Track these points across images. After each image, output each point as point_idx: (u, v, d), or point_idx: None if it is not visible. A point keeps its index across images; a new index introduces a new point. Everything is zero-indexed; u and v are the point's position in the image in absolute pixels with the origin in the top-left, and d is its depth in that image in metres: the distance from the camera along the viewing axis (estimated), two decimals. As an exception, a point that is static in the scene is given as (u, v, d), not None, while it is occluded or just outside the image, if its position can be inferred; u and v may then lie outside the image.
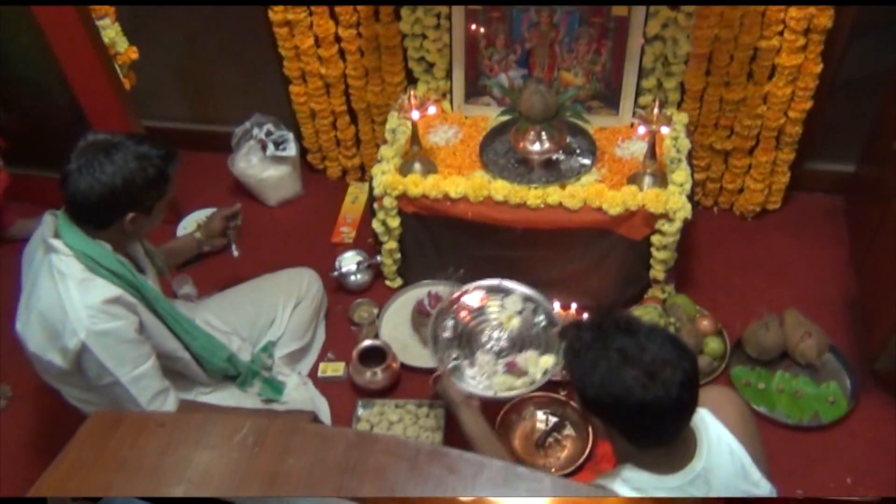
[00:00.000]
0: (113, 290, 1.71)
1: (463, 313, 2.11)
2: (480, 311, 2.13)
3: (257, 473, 1.20)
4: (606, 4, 2.28)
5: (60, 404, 2.15)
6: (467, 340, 2.08)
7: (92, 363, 1.71)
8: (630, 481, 1.38)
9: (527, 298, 2.14)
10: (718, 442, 1.43)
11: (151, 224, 1.81)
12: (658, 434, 1.35)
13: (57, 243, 1.70)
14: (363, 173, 2.95)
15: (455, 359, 2.02)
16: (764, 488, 1.44)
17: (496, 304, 2.14)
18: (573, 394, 1.94)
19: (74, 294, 1.67)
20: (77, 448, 1.25)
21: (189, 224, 2.78)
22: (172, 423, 1.27)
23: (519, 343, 2.08)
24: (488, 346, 2.06)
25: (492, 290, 2.16)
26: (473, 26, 2.40)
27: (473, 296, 2.11)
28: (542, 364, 2.03)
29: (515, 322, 2.11)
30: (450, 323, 2.09)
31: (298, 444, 1.23)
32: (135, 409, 1.73)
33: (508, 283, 2.17)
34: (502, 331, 2.10)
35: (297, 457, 1.22)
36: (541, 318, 2.09)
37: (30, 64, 2.47)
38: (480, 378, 2.02)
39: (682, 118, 2.45)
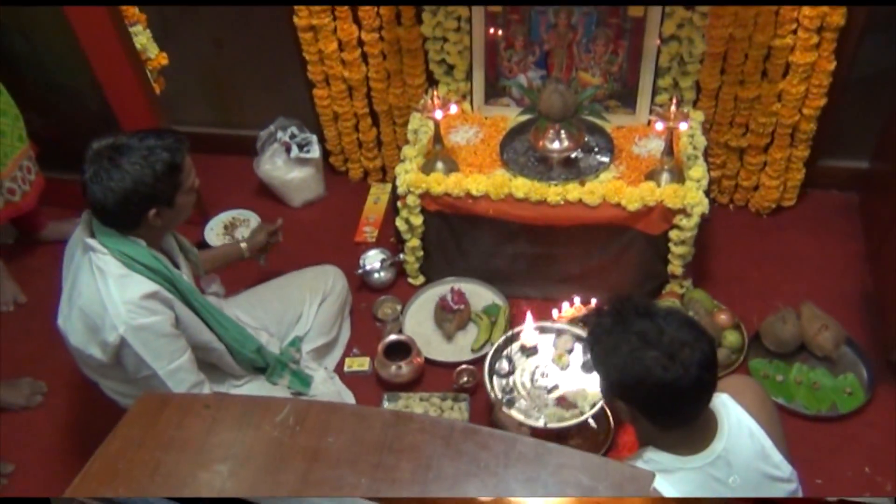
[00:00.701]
0: (150, 286, 1.77)
1: (517, 351, 2.23)
2: (534, 350, 2.23)
3: (299, 451, 1.25)
4: (624, 5, 2.33)
5: (95, 400, 2.23)
6: (521, 375, 2.20)
7: (131, 357, 1.77)
8: (652, 462, 1.42)
9: (578, 338, 2.23)
10: (738, 425, 1.47)
11: (179, 215, 1.85)
12: (679, 414, 1.40)
13: (94, 242, 1.77)
14: (385, 174, 3.02)
15: (509, 392, 2.13)
16: (785, 470, 1.49)
17: (549, 343, 2.25)
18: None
19: (113, 290, 1.74)
20: (125, 429, 1.31)
21: (216, 225, 2.85)
22: (217, 405, 1.32)
23: (570, 379, 2.17)
24: (540, 381, 2.17)
25: (545, 330, 2.28)
26: (493, 29, 2.46)
27: (528, 335, 2.23)
28: (590, 398, 2.11)
29: (566, 359, 2.20)
30: (505, 360, 2.21)
31: (337, 423, 1.29)
32: None
33: (560, 325, 2.29)
34: (555, 367, 2.20)
35: (337, 435, 1.27)
36: (589, 357, 2.17)
37: (64, 70, 2.55)
38: (532, 410, 2.11)
39: (697, 116, 2.50)
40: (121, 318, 1.73)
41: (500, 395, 2.13)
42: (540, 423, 2.07)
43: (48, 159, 2.68)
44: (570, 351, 2.23)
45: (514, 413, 2.09)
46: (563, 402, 2.12)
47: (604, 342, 1.41)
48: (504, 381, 2.17)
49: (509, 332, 2.26)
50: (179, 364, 1.82)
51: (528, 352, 2.24)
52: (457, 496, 1.20)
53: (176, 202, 1.80)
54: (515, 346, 2.24)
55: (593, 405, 2.08)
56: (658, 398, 1.37)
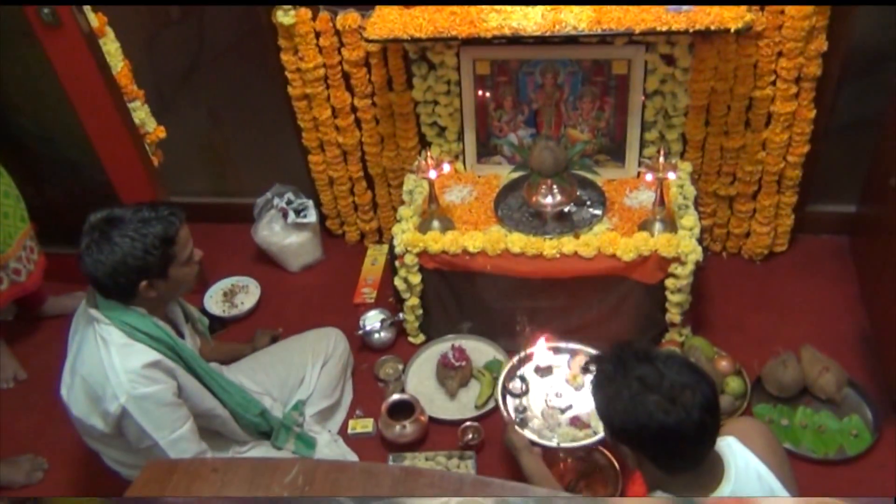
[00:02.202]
0: (152, 355, 1.78)
1: (532, 371, 2.22)
2: (548, 370, 2.23)
3: (309, 511, 1.25)
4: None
5: (96, 474, 2.21)
6: (535, 396, 2.19)
7: (132, 427, 1.77)
8: None
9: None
10: (746, 467, 1.47)
11: (177, 287, 1.85)
12: (683, 457, 1.41)
13: (96, 313, 1.79)
14: (381, 236, 3.05)
15: (522, 412, 2.12)
16: None
17: (564, 363, 2.25)
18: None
19: (115, 359, 1.74)
20: (135, 495, 1.31)
21: (215, 293, 2.87)
22: (225, 468, 1.32)
23: (584, 399, 2.16)
24: (554, 401, 2.17)
25: (559, 351, 2.28)
26: (482, 91, 2.53)
27: (541, 355, 2.23)
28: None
29: (581, 380, 2.20)
30: (519, 380, 2.20)
31: (346, 481, 1.29)
32: None
33: (574, 345, 2.29)
34: (569, 387, 2.20)
35: (346, 493, 1.27)
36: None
37: (66, 144, 2.60)
38: (545, 430, 2.11)
39: (685, 167, 2.55)
40: (122, 388, 1.73)
41: (513, 415, 2.11)
42: (553, 443, 2.06)
43: (49, 234, 2.71)
44: (585, 371, 2.19)
45: (528, 433, 2.06)
46: (576, 422, 2.11)
47: (606, 388, 1.42)
48: (517, 401, 2.15)
49: (523, 353, 2.23)
50: (181, 434, 1.81)
51: (542, 372, 2.22)
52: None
53: (170, 274, 1.80)
54: (529, 366, 2.22)
55: None
56: (661, 442, 1.38)
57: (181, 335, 1.93)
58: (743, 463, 1.47)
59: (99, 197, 2.64)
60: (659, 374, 1.37)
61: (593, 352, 2.24)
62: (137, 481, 1.32)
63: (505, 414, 2.13)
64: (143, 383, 1.75)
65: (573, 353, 2.27)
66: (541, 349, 2.23)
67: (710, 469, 1.45)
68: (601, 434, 2.04)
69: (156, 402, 1.77)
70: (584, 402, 2.15)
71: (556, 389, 2.19)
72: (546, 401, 2.17)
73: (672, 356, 1.43)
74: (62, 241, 2.83)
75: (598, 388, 1.44)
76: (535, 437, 2.07)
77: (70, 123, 2.47)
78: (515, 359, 2.22)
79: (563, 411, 2.14)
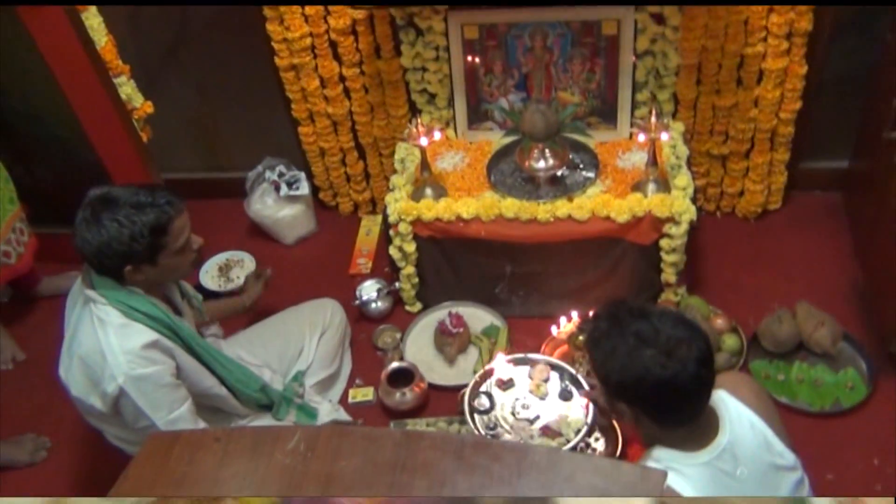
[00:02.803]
0: (150, 335, 1.77)
1: (495, 386, 2.21)
2: (510, 383, 2.22)
3: (312, 477, 1.26)
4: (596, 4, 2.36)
5: (100, 451, 2.23)
6: (502, 410, 2.17)
7: (129, 407, 1.77)
8: (661, 460, 1.44)
9: (553, 366, 2.23)
10: (739, 418, 1.50)
11: (166, 273, 1.82)
12: (681, 411, 1.43)
13: (93, 294, 1.78)
14: (374, 206, 3.04)
15: (492, 428, 2.12)
16: (788, 458, 1.51)
17: (524, 374, 2.24)
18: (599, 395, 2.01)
19: (113, 340, 1.74)
20: (136, 469, 1.31)
21: (210, 268, 2.85)
22: (227, 437, 1.33)
23: (550, 407, 2.16)
24: (522, 413, 2.16)
25: (519, 362, 2.26)
26: (471, 56, 2.51)
27: (502, 369, 2.22)
28: (573, 424, 2.10)
29: (544, 389, 2.20)
30: (484, 396, 2.19)
31: (348, 446, 1.29)
32: None
33: (533, 355, 2.27)
34: (533, 398, 2.19)
35: (349, 459, 1.27)
36: (566, 384, 2.17)
37: (53, 123, 2.57)
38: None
39: (678, 127, 2.54)
40: (120, 369, 1.72)
41: (483, 432, 2.11)
42: None
43: (41, 215, 2.70)
44: (547, 380, 2.21)
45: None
46: (547, 431, 2.10)
47: (602, 346, 1.44)
48: (486, 418, 2.14)
49: (481, 370, 2.24)
50: (179, 414, 1.81)
51: (505, 385, 2.21)
52: (473, 510, 1.20)
53: (159, 262, 1.77)
54: (492, 380, 2.21)
55: (578, 431, 2.07)
56: (659, 396, 1.40)
57: (178, 313, 1.93)
58: (735, 414, 1.50)
59: (89, 175, 2.62)
60: (654, 330, 1.38)
61: (553, 360, 2.24)
62: (140, 455, 1.33)
63: (476, 433, 2.11)
64: (142, 364, 1.74)
65: (532, 363, 2.25)
66: (500, 363, 2.22)
67: (705, 422, 1.47)
68: (574, 440, 2.06)
69: (154, 383, 1.76)
70: (550, 411, 2.14)
71: (521, 401, 2.17)
72: (514, 413, 2.15)
73: (666, 312, 1.45)
74: (54, 221, 2.81)
75: (595, 345, 1.46)
76: None
77: (57, 101, 2.44)
78: (477, 376, 2.21)
79: (531, 422, 2.13)
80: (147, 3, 2.63)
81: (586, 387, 2.09)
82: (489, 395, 2.18)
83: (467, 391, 2.19)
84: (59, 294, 2.82)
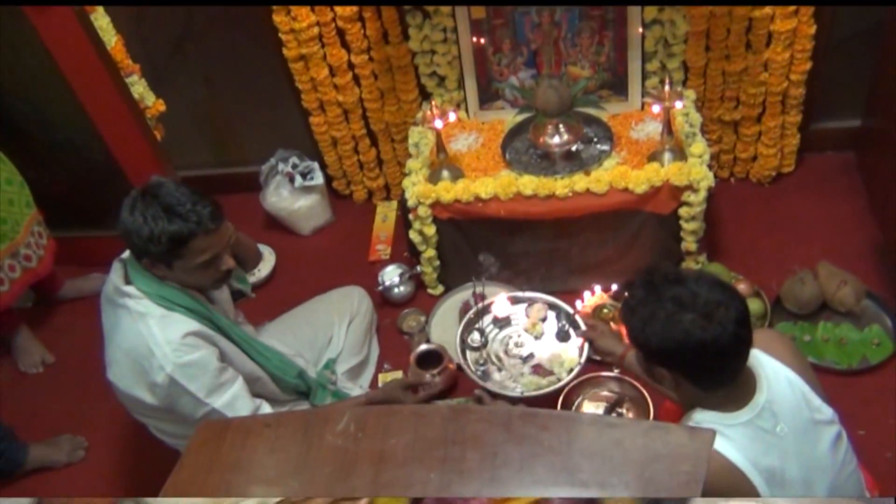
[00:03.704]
0: (192, 324, 1.79)
1: (489, 322, 2.20)
2: (507, 321, 2.21)
3: (365, 456, 1.28)
4: (608, 5, 2.38)
5: (138, 447, 2.25)
6: (495, 347, 2.17)
7: (184, 396, 1.77)
8: (702, 423, 1.44)
9: (551, 305, 2.23)
10: (775, 375, 1.51)
11: (183, 278, 1.80)
12: (721, 372, 1.43)
13: (130, 289, 1.78)
14: (389, 192, 3.05)
15: (482, 364, 2.11)
16: (826, 412, 1.52)
17: (521, 312, 2.23)
18: (625, 370, 2.03)
19: (156, 331, 1.75)
20: (191, 457, 1.33)
21: (230, 262, 2.87)
22: (277, 423, 1.35)
23: (544, 346, 2.16)
24: (515, 350, 2.15)
25: (517, 301, 2.25)
26: (478, 36, 2.51)
27: (500, 306, 2.20)
28: (566, 364, 2.12)
29: (540, 328, 2.20)
30: (477, 332, 2.18)
31: (397, 424, 1.31)
32: None
33: (532, 293, 2.26)
34: (528, 336, 2.19)
35: (399, 436, 1.29)
36: (563, 323, 2.18)
37: (67, 126, 2.57)
38: (508, 380, 2.11)
39: (689, 94, 2.54)
40: (167, 358, 1.73)
41: (473, 368, 2.10)
42: (517, 393, 2.07)
43: (59, 218, 2.71)
44: (544, 319, 2.20)
45: (490, 385, 2.08)
46: (539, 370, 2.10)
47: (640, 313, 1.44)
48: (477, 354, 2.13)
49: (479, 305, 2.21)
50: (234, 393, 1.82)
51: (501, 323, 2.19)
52: (526, 479, 1.22)
53: (174, 267, 1.77)
54: (487, 318, 2.19)
55: (570, 370, 2.06)
56: (700, 359, 1.40)
57: (212, 301, 1.94)
58: (772, 372, 1.51)
59: (105, 177, 2.65)
60: (692, 294, 1.39)
61: (550, 298, 2.23)
62: (192, 443, 1.35)
63: (467, 370, 2.09)
64: (187, 351, 1.76)
65: (531, 301, 2.25)
66: (500, 301, 2.21)
67: (744, 382, 1.48)
68: (566, 379, 2.06)
69: (202, 368, 1.77)
70: (544, 349, 2.14)
71: (514, 339, 2.16)
72: (507, 351, 2.15)
73: (702, 276, 1.45)
74: (72, 224, 2.85)
75: (632, 313, 1.46)
76: (497, 389, 2.07)
77: (69, 103, 2.45)
78: (472, 312, 2.19)
79: (524, 360, 2.14)
80: (154, 3, 2.63)
81: (583, 327, 2.09)
82: (482, 332, 2.17)
83: (461, 327, 2.17)
84: (82, 296, 2.85)
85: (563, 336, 2.16)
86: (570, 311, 2.18)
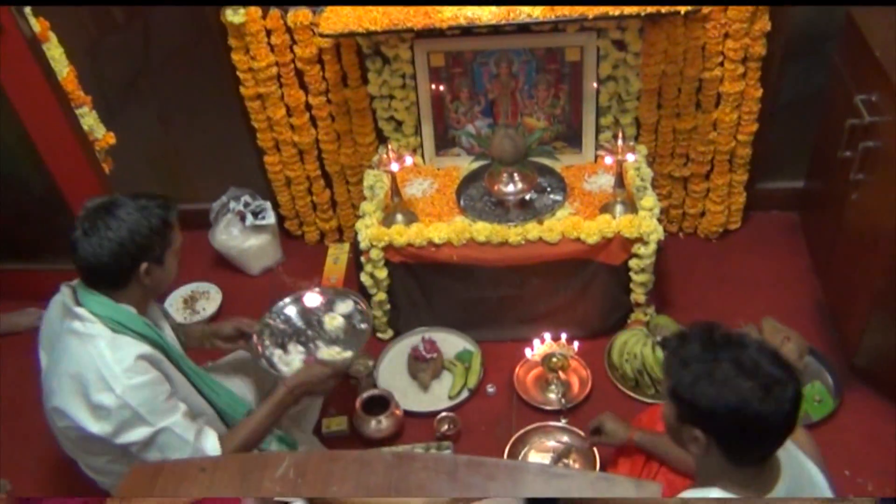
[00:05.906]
0: (142, 348, 1.73)
1: (297, 311, 2.18)
2: (313, 311, 2.18)
3: None
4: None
5: (67, 490, 2.14)
6: (292, 333, 2.15)
7: (130, 418, 1.69)
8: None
9: (356, 303, 2.19)
10: (800, 468, 1.45)
11: (166, 276, 1.83)
12: (762, 447, 1.36)
13: (81, 311, 1.72)
14: (341, 234, 3.03)
15: (268, 346, 2.09)
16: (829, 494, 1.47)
17: (327, 306, 2.20)
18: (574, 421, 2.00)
19: (106, 353, 1.68)
20: (119, 502, 1.27)
21: (175, 300, 2.81)
22: (213, 467, 1.29)
23: (334, 341, 2.13)
24: (302, 338, 2.13)
25: (329, 295, 2.22)
26: (437, 83, 2.54)
27: (312, 297, 2.20)
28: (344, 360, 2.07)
29: (336, 322, 2.17)
30: (282, 316, 2.16)
31: (339, 471, 1.27)
32: (182, 453, 1.70)
33: (345, 290, 2.26)
34: (322, 328, 2.16)
35: (340, 484, 1.25)
36: (364, 326, 2.15)
37: (15, 156, 2.51)
38: (282, 365, 2.07)
39: (641, 149, 2.60)
40: (117, 380, 1.66)
41: (260, 350, 2.07)
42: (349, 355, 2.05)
43: (-7, 253, 2.62)
44: (347, 316, 2.16)
45: (293, 358, 2.06)
46: (310, 361, 2.06)
47: (693, 368, 1.34)
48: (271, 336, 2.11)
49: (297, 294, 2.19)
50: (185, 410, 1.76)
51: (310, 313, 2.17)
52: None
53: (165, 260, 1.79)
54: (298, 305, 2.18)
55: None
56: (747, 430, 1.32)
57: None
58: (797, 463, 1.45)
59: (48, 209, 2.57)
60: (754, 361, 1.31)
61: (361, 301, 2.20)
62: (123, 485, 1.28)
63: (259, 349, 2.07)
64: (139, 371, 1.69)
65: (343, 296, 2.20)
66: (314, 293, 2.20)
67: (769, 466, 1.40)
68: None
69: (152, 389, 1.71)
70: (332, 343, 2.11)
71: (309, 329, 2.14)
72: (297, 339, 2.12)
73: (763, 346, 1.36)
74: (9, 257, 2.75)
75: (683, 367, 1.35)
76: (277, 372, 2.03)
77: (15, 133, 2.39)
78: (288, 297, 2.18)
79: (307, 350, 2.10)
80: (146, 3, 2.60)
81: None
82: (288, 317, 2.15)
83: (272, 309, 2.15)
84: (16, 332, 2.73)
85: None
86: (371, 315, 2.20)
